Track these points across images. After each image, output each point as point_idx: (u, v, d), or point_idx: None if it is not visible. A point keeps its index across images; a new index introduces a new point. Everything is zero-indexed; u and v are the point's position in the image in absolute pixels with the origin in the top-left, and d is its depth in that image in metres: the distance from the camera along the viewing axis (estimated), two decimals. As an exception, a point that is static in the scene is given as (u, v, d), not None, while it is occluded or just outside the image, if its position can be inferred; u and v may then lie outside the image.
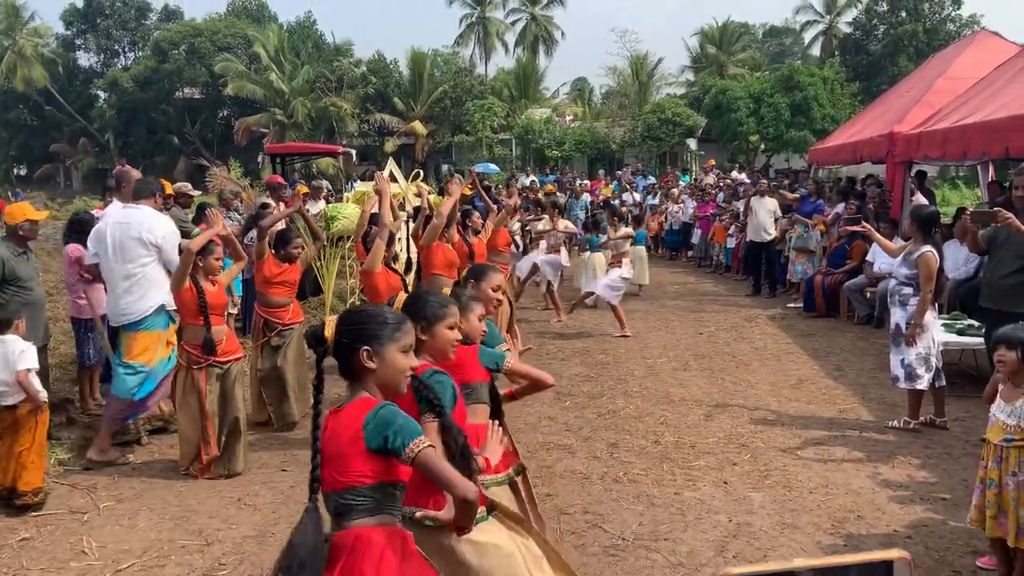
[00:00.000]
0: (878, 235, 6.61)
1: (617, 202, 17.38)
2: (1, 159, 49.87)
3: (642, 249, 12.33)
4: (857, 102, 30.72)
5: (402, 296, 2.91)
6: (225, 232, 5.47)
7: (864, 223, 7.27)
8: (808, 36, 47.29)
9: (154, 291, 5.59)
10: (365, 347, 2.24)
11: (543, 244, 10.92)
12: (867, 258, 9.82)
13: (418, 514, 2.49)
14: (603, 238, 10.52)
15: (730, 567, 0.69)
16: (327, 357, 2.29)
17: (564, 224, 10.70)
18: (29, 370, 4.75)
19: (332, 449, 2.19)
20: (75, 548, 4.33)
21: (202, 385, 5.25)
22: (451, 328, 2.83)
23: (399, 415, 2.17)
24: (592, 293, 9.88)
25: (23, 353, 4.75)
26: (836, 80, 29.90)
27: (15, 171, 51.19)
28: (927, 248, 5.69)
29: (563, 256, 10.59)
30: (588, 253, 11.11)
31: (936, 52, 18.22)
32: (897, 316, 5.89)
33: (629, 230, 10.18)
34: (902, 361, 5.82)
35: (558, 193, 18.64)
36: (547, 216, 11.17)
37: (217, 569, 4.09)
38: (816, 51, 45.57)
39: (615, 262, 9.80)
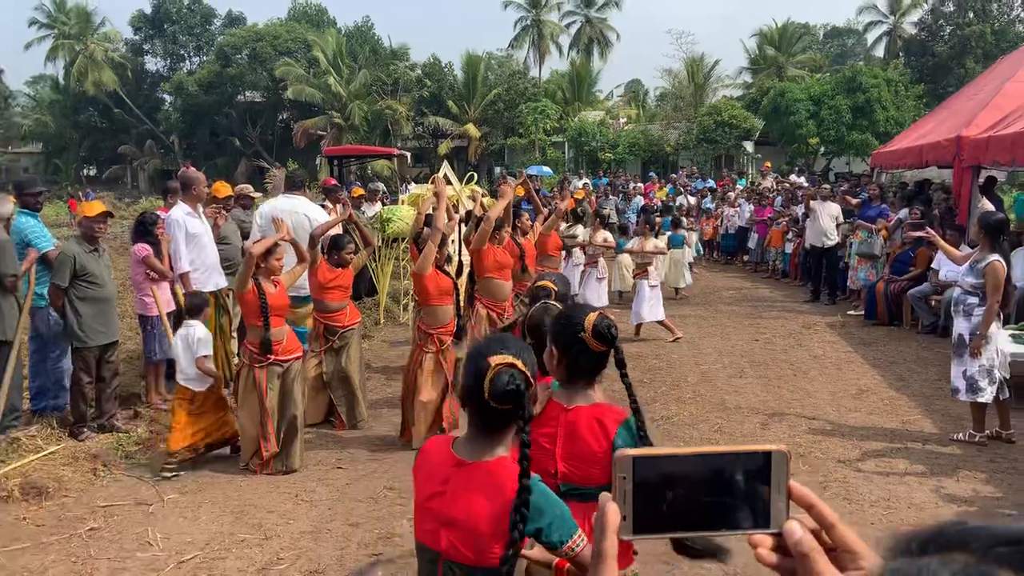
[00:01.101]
0: (942, 242, 6.43)
1: (672, 205, 17.24)
2: (72, 160, 51.77)
3: (679, 252, 12.17)
4: (922, 104, 29.85)
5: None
6: (290, 237, 5.60)
7: (928, 229, 7.08)
8: (871, 37, 46.15)
9: None
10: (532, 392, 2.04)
11: (577, 253, 10.70)
12: (932, 265, 9.55)
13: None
14: (629, 243, 10.47)
15: (626, 449, 0.78)
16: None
17: (603, 237, 10.45)
18: (206, 356, 5.45)
19: (467, 516, 1.94)
20: (141, 539, 4.48)
21: (263, 383, 5.37)
22: None
23: (552, 502, 1.94)
24: (640, 324, 9.69)
25: (200, 340, 5.43)
26: (900, 82, 29.11)
27: (85, 172, 53.10)
28: (995, 257, 5.51)
29: (601, 268, 10.28)
30: (621, 256, 11.40)
31: (1004, 54, 17.62)
32: (961, 326, 5.72)
33: (661, 244, 9.96)
34: (964, 372, 5.65)
35: (610, 196, 18.53)
36: (582, 226, 10.94)
37: (275, 563, 4.18)
38: (879, 52, 44.42)
39: (640, 272, 9.62)
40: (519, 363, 1.93)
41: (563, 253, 9.97)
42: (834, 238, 11.56)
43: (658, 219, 11.44)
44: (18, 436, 5.80)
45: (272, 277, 5.43)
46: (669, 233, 12.14)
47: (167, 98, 49.91)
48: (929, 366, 8.08)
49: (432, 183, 7.51)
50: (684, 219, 14.68)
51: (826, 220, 11.58)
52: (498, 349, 1.96)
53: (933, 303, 9.44)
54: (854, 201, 12.14)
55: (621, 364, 2.46)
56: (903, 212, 10.84)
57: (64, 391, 6.39)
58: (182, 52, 51.38)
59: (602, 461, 2.36)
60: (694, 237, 15.71)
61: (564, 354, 2.45)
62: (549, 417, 2.46)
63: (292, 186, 7.60)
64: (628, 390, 2.44)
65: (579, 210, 12.21)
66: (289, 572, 4.11)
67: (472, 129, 38.04)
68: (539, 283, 3.33)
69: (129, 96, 48.08)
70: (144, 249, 6.49)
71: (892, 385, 7.42)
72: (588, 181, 22.51)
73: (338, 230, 7.72)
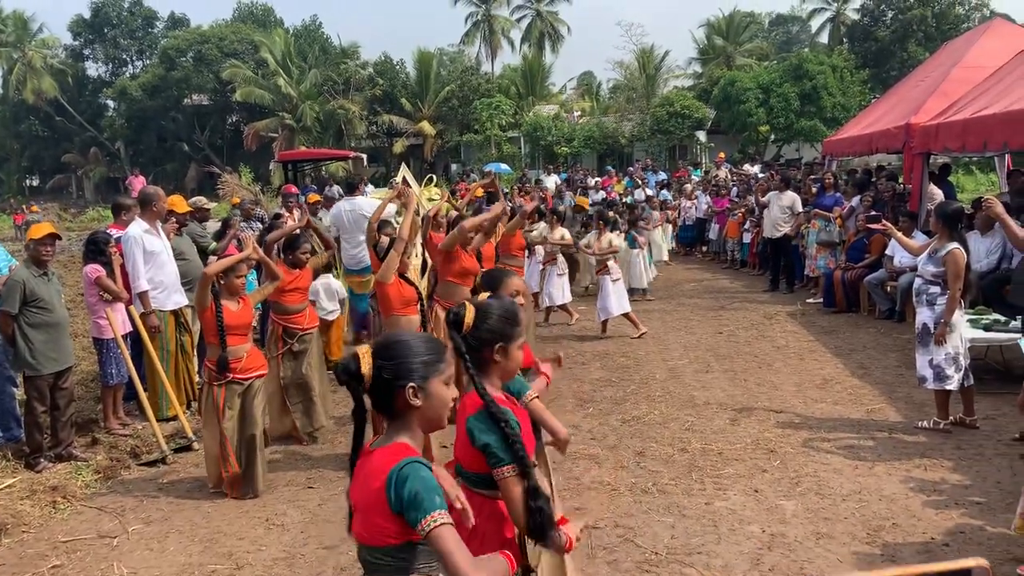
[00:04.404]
0: (900, 235, 6.50)
1: (629, 199, 17.28)
2: (14, 171, 50.19)
3: (636, 252, 11.75)
4: (867, 89, 30.44)
5: (471, 309, 2.61)
6: (258, 256, 5.46)
7: (885, 222, 7.17)
8: (815, 24, 46.94)
9: None
10: (411, 384, 2.04)
11: (539, 251, 10.65)
12: (887, 252, 9.72)
13: None
14: (583, 241, 10.47)
15: None
16: (364, 394, 2.07)
17: (560, 234, 10.40)
18: None
19: (360, 498, 2.02)
20: (106, 575, 4.32)
21: (220, 402, 5.20)
22: (520, 348, 2.67)
23: (419, 478, 1.93)
24: (606, 320, 9.69)
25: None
26: (845, 68, 29.64)
27: (28, 182, 51.53)
28: (954, 245, 5.60)
29: (560, 264, 10.23)
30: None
31: (945, 38, 18.01)
32: (924, 316, 5.80)
33: (615, 240, 9.95)
34: (930, 361, 5.74)
35: (565, 193, 18.47)
36: (544, 224, 10.87)
37: (249, 594, 4.06)
38: (824, 39, 45.21)
39: (601, 268, 9.64)
40: (361, 351, 2.05)
41: (526, 252, 9.93)
42: (784, 229, 11.72)
43: (611, 214, 11.28)
44: (-30, 471, 5.57)
45: (237, 295, 5.29)
46: (627, 231, 12.02)
47: (110, 104, 48.72)
48: (889, 352, 8.21)
49: (391, 187, 7.42)
50: (656, 213, 14.68)
51: (776, 211, 11.73)
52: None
53: (889, 289, 9.61)
54: (813, 190, 12.30)
55: (460, 353, 2.48)
56: (855, 200, 11.02)
57: (16, 421, 6.16)
58: (124, 56, 50.15)
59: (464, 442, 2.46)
60: (669, 232, 15.72)
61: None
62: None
63: (349, 189, 9.28)
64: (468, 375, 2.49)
65: (542, 207, 12.11)
66: (264, 602, 4.00)
67: (427, 127, 37.82)
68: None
69: (71, 103, 46.80)
70: (96, 271, 6.27)
71: (855, 373, 7.52)
72: (557, 177, 22.35)
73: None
